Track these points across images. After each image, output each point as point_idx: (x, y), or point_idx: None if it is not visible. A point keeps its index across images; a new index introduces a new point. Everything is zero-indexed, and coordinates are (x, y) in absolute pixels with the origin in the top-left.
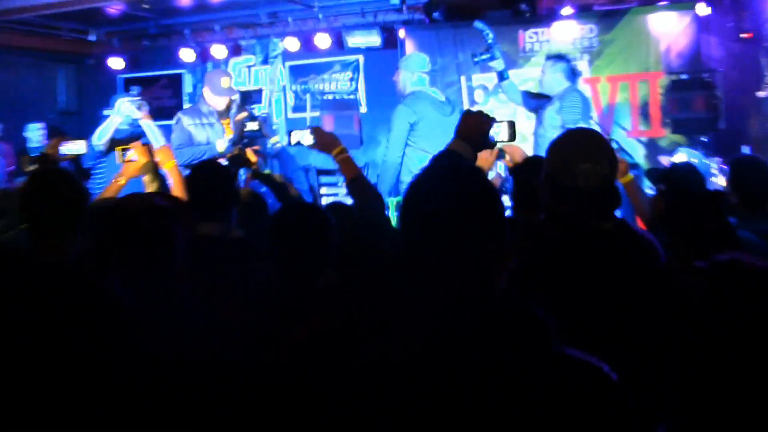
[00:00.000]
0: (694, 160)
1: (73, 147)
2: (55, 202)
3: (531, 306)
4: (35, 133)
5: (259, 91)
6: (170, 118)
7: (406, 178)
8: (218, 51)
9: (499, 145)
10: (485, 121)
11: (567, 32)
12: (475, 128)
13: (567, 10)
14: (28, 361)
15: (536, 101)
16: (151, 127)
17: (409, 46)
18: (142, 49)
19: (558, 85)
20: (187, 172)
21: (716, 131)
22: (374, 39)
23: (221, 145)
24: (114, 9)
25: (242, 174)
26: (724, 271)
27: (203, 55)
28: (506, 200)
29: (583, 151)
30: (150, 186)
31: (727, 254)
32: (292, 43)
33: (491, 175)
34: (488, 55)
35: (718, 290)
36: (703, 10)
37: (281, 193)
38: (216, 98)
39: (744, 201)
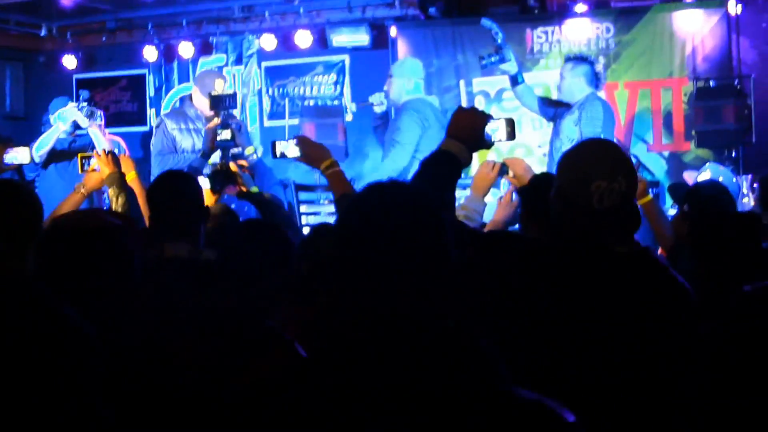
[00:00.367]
0: (721, 178)
1: (18, 155)
2: (11, 219)
3: (476, 339)
4: None
5: (233, 95)
6: (131, 124)
7: None
8: (185, 49)
9: (501, 159)
10: (479, 117)
11: (580, 32)
12: (468, 126)
13: (581, 7)
14: None
15: (554, 109)
16: (98, 138)
17: (402, 46)
18: (99, 46)
19: (579, 91)
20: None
21: (747, 145)
22: (362, 37)
23: (216, 155)
24: (68, 0)
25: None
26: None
27: (168, 54)
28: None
29: (598, 167)
30: (115, 200)
31: None
32: (268, 41)
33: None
34: (498, 57)
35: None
36: (734, 8)
37: (269, 214)
38: (206, 102)
39: None
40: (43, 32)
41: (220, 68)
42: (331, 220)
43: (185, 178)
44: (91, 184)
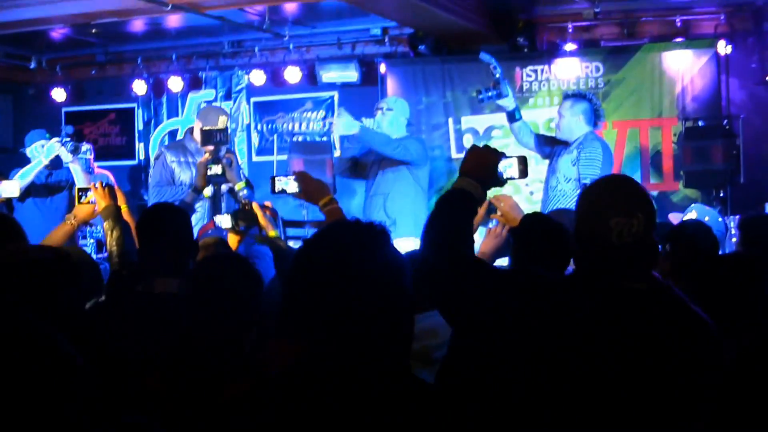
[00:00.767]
0: (707, 218)
1: (7, 189)
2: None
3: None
4: None
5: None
6: (119, 157)
7: None
8: (174, 83)
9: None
10: (493, 155)
11: (570, 70)
12: (481, 163)
13: (570, 46)
14: None
15: (550, 148)
16: (78, 174)
17: (391, 83)
18: (88, 79)
19: (579, 129)
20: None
21: (736, 185)
22: (351, 74)
23: (208, 190)
24: (58, 33)
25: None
26: None
27: (157, 88)
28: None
29: (617, 203)
30: (110, 234)
31: None
32: (258, 77)
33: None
34: (496, 92)
35: None
36: (723, 48)
37: (282, 261)
38: None
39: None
40: (32, 65)
41: (209, 102)
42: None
43: (174, 212)
44: (81, 215)
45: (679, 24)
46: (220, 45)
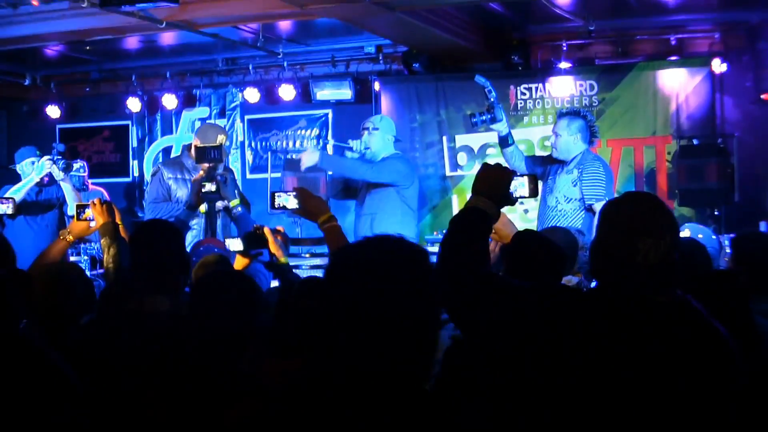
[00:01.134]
0: (700, 236)
1: (1, 206)
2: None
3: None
4: None
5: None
6: (114, 175)
7: None
8: (168, 101)
9: None
10: (505, 174)
11: (564, 89)
12: (494, 182)
13: (564, 64)
14: None
15: (542, 167)
16: (69, 191)
17: (385, 101)
18: (82, 96)
19: (576, 148)
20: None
21: (730, 204)
22: (345, 92)
23: (203, 206)
24: (52, 50)
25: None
26: None
27: (151, 105)
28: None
29: (644, 224)
30: (107, 250)
31: None
32: (252, 94)
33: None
34: (489, 116)
35: None
36: (718, 67)
37: (287, 285)
38: None
39: (750, 281)
40: (27, 81)
41: (203, 119)
42: (314, 272)
43: (166, 229)
44: (76, 231)
45: (673, 42)
46: (215, 62)
